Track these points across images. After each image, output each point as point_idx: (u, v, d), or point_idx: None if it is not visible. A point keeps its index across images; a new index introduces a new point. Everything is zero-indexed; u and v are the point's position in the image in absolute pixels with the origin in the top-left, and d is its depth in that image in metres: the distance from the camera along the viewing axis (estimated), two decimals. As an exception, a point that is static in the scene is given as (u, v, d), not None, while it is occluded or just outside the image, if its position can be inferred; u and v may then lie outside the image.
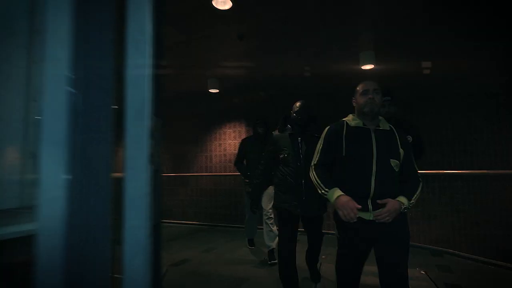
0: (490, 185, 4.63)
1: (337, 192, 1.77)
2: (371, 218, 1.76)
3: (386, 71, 4.53)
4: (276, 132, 2.84)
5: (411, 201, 1.77)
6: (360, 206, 1.70)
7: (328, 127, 2.02)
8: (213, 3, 2.88)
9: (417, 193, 1.82)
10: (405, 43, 3.78)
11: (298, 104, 2.73)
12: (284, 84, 5.47)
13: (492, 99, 4.88)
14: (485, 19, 3.19)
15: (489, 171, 4.72)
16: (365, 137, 1.85)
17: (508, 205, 4.45)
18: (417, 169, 1.92)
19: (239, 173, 4.43)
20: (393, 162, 1.82)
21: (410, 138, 2.41)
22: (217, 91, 5.60)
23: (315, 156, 2.00)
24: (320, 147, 1.99)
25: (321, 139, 2.02)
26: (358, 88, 1.96)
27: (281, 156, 2.72)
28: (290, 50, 4.04)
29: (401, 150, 1.85)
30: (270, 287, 3.08)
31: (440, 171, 4.84)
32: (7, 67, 1.33)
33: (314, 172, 1.93)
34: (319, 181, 1.88)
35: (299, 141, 2.69)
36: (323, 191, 1.84)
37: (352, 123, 1.92)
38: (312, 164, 1.99)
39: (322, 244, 2.92)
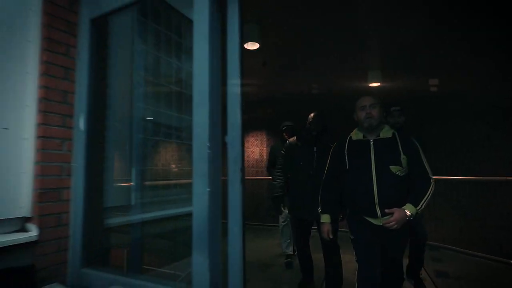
0: (496, 190, 4.96)
1: (326, 218, 2.18)
2: (380, 224, 1.91)
3: (392, 88, 5.03)
4: (292, 139, 3.03)
5: (418, 208, 1.82)
6: (331, 237, 2.15)
7: (335, 143, 2.23)
8: (245, 45, 3.62)
9: (426, 196, 1.85)
10: (410, 63, 4.28)
11: (312, 114, 2.90)
12: (300, 99, 6.09)
13: (498, 109, 5.21)
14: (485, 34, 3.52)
15: (495, 177, 5.04)
16: (364, 148, 2.01)
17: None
18: (427, 170, 1.93)
19: (258, 177, 5.01)
20: (394, 168, 1.91)
21: None
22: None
23: (325, 172, 2.24)
24: (328, 164, 2.23)
25: (329, 156, 2.24)
26: (356, 104, 2.10)
27: (295, 164, 2.88)
28: (306, 70, 4.67)
29: (403, 156, 1.93)
30: (291, 272, 3.71)
31: (448, 177, 5.22)
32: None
33: (321, 192, 2.23)
34: (320, 202, 2.22)
35: (314, 150, 2.81)
36: (320, 211, 2.22)
37: (354, 137, 2.11)
38: (322, 181, 2.25)
39: (338, 250, 2.79)
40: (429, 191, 1.86)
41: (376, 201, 1.89)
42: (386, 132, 2.03)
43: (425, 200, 1.84)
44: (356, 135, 2.11)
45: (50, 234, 1.81)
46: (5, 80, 1.70)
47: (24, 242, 1.69)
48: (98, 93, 2.00)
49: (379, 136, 2.02)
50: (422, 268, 3.23)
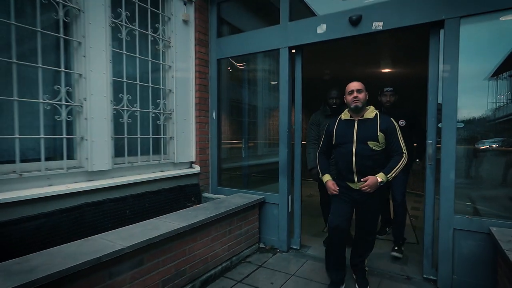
0: None
1: (327, 177, 2.45)
2: (357, 188, 2.29)
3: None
4: (317, 113, 3.37)
5: (389, 176, 2.20)
6: (337, 190, 2.35)
7: (328, 123, 2.56)
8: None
9: (397, 167, 2.22)
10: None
11: (333, 91, 3.23)
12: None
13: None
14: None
15: None
16: (349, 126, 2.33)
17: None
18: (402, 146, 2.25)
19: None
20: (371, 143, 2.24)
21: (403, 122, 3.05)
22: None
23: (320, 144, 2.59)
24: (323, 138, 2.57)
25: (324, 132, 2.56)
26: (346, 88, 2.37)
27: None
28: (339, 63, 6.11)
29: (379, 133, 2.23)
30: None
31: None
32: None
33: (318, 159, 2.58)
34: (318, 167, 2.56)
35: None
36: (320, 175, 2.54)
37: (343, 117, 2.42)
38: (318, 152, 2.62)
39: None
40: (400, 163, 2.22)
41: (354, 169, 2.26)
42: (370, 113, 2.33)
43: (395, 171, 2.21)
44: (345, 115, 2.42)
45: (203, 169, 3.74)
46: (186, 95, 3.54)
47: (194, 173, 3.63)
48: (221, 98, 3.79)
49: (363, 116, 2.32)
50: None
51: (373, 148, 2.24)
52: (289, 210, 3.30)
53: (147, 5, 3.07)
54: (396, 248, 3.14)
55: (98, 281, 1.75)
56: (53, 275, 1.50)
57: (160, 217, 2.53)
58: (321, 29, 2.97)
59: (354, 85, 2.31)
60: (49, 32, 2.34)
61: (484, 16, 2.32)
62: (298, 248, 3.35)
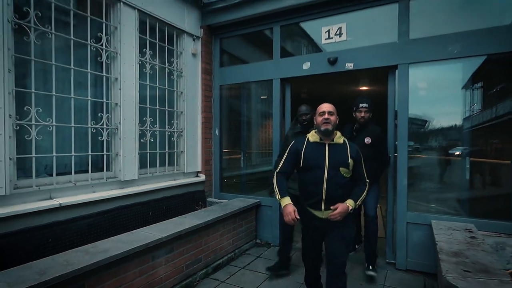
0: None
1: (286, 200, 2.14)
2: (323, 217, 2.14)
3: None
4: (288, 130, 3.39)
5: (357, 203, 2.12)
6: (297, 219, 2.08)
7: (293, 141, 2.33)
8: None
9: (363, 195, 2.17)
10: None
11: (302, 107, 3.14)
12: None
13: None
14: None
15: None
16: (320, 150, 2.17)
17: None
18: (364, 174, 2.22)
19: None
20: (343, 170, 2.12)
21: (369, 140, 3.03)
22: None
23: (279, 164, 2.32)
24: (284, 157, 2.30)
25: (286, 151, 2.32)
26: (317, 109, 2.23)
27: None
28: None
29: (350, 160, 2.14)
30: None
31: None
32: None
33: (275, 179, 2.27)
34: (277, 188, 2.23)
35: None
36: (278, 197, 2.21)
37: (311, 139, 2.23)
38: (275, 171, 2.32)
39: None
40: (365, 192, 2.19)
41: (324, 197, 2.10)
42: (339, 139, 2.22)
43: (361, 198, 2.17)
44: (313, 137, 2.25)
45: (207, 177, 4.40)
46: (194, 116, 4.22)
47: (200, 181, 4.30)
48: (222, 117, 4.49)
49: (333, 141, 2.20)
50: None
51: (344, 175, 2.15)
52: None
53: (165, 44, 3.76)
54: (370, 267, 3.06)
55: (145, 261, 2.41)
56: (121, 254, 2.15)
57: (181, 216, 3.18)
58: (306, 65, 3.73)
59: (326, 107, 2.20)
60: (97, 73, 3.00)
61: (424, 63, 3.14)
62: (288, 243, 4.03)
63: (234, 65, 4.47)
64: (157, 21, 3.62)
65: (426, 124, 3.37)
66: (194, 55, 4.17)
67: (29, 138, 2.47)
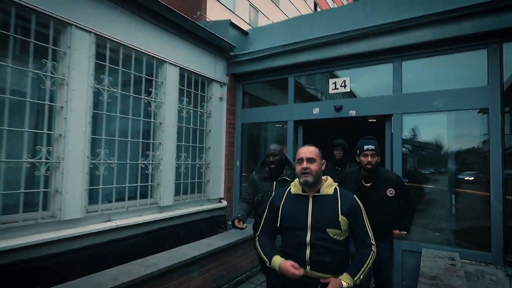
0: None
1: (277, 259, 1.73)
2: (309, 276, 1.69)
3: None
4: (254, 174, 2.96)
5: (357, 278, 1.64)
6: (301, 270, 1.64)
7: (274, 194, 1.99)
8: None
9: (366, 264, 1.68)
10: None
11: (271, 147, 2.79)
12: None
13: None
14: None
15: None
16: (301, 205, 1.78)
17: None
18: (370, 235, 1.75)
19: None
20: (332, 232, 1.69)
21: (392, 192, 2.56)
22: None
23: (262, 224, 1.94)
24: (264, 216, 1.95)
25: (267, 207, 1.96)
26: (296, 155, 1.86)
27: (256, 198, 2.90)
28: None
29: (341, 218, 1.69)
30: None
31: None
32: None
33: (258, 244, 1.90)
34: (262, 255, 1.84)
35: (273, 184, 2.74)
36: (268, 265, 1.80)
37: (293, 190, 1.86)
38: (256, 234, 1.96)
39: None
40: (370, 259, 1.70)
41: (307, 263, 1.69)
42: (328, 188, 1.81)
43: (364, 270, 1.67)
44: (295, 187, 1.87)
45: (228, 203, 5.03)
46: (219, 150, 4.92)
47: (222, 206, 4.93)
48: (243, 151, 5.18)
49: (319, 192, 1.80)
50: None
51: (334, 237, 1.70)
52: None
53: (198, 91, 4.55)
54: None
55: (183, 274, 3.02)
56: (167, 267, 2.78)
57: (208, 238, 3.80)
58: (316, 111, 4.40)
59: (305, 152, 1.81)
60: (148, 119, 3.77)
61: (415, 114, 3.75)
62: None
63: (254, 107, 5.21)
64: (193, 74, 4.42)
65: (419, 161, 3.93)
66: (220, 98, 4.94)
67: (98, 174, 3.20)
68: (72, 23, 2.90)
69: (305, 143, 5.07)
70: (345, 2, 32.28)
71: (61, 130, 2.86)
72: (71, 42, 2.91)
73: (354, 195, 1.84)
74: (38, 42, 2.71)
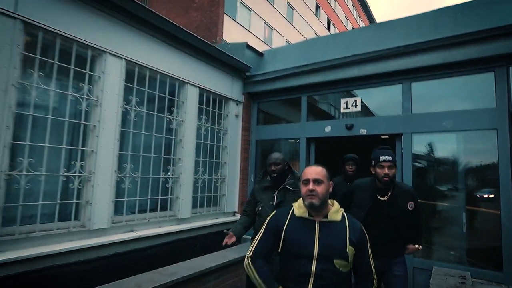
0: None
1: None
2: None
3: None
4: (256, 185, 2.90)
5: None
6: None
7: (274, 212, 1.82)
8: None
9: None
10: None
11: (272, 156, 2.68)
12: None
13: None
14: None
15: None
16: (307, 231, 1.62)
17: None
18: (372, 269, 1.64)
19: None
20: (339, 263, 1.55)
21: (412, 205, 2.43)
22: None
23: (252, 245, 1.74)
24: (260, 235, 1.74)
25: (264, 226, 1.76)
26: (301, 176, 1.72)
27: (257, 209, 2.83)
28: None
29: (349, 248, 1.56)
30: None
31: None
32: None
33: (251, 268, 1.66)
34: (259, 280, 1.61)
35: (275, 194, 2.64)
36: None
37: (297, 213, 1.70)
38: (247, 256, 1.72)
39: None
40: None
41: None
42: (335, 214, 1.67)
43: None
44: (299, 209, 1.71)
45: (242, 217, 5.19)
46: (234, 165, 5.13)
47: (236, 220, 5.07)
48: (257, 166, 5.37)
49: (326, 217, 1.65)
50: None
51: (340, 269, 1.57)
52: None
53: (215, 109, 4.82)
54: None
55: (201, 283, 3.19)
56: (186, 276, 2.96)
57: (223, 250, 3.95)
58: (328, 129, 4.58)
59: (311, 173, 1.68)
60: (168, 136, 4.05)
61: (422, 133, 3.87)
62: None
63: (268, 124, 5.44)
64: (211, 93, 4.71)
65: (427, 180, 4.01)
66: (236, 116, 5.19)
67: (124, 187, 3.46)
68: (107, 50, 3.24)
69: (318, 159, 5.29)
70: (358, 19, 32.70)
71: (93, 146, 3.15)
72: (105, 67, 3.23)
73: (361, 224, 1.71)
74: (77, 68, 3.04)
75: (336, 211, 1.69)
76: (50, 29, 2.80)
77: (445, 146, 3.86)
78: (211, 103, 4.73)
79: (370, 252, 1.68)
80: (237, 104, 5.23)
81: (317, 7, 23.53)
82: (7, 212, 2.59)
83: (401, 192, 2.47)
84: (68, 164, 3.05)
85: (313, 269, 1.55)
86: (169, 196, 4.05)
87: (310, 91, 4.85)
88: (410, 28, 4.06)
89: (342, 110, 4.55)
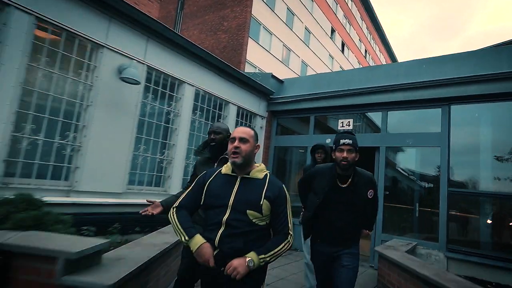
0: None
1: (199, 240, 1.59)
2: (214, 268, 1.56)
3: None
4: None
5: (262, 258, 1.55)
6: (214, 262, 1.55)
7: (205, 172, 1.86)
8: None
9: (277, 250, 1.61)
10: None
11: (213, 125, 2.53)
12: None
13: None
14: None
15: None
16: (228, 185, 1.70)
17: None
18: (289, 224, 1.69)
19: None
20: (252, 214, 1.61)
21: (372, 193, 2.35)
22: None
23: (184, 194, 1.82)
24: (189, 190, 1.83)
25: (195, 181, 1.85)
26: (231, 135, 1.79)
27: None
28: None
29: (263, 201, 1.63)
30: None
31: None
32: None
33: (174, 216, 1.71)
34: (179, 225, 1.66)
35: (215, 166, 2.40)
36: (183, 240, 1.62)
37: (223, 170, 1.78)
38: (173, 206, 1.78)
39: None
40: (283, 246, 1.63)
41: (216, 245, 1.58)
42: (258, 172, 1.74)
43: (274, 254, 1.60)
44: (226, 168, 1.78)
45: (261, 204, 6.90)
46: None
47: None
48: (274, 169, 7.10)
49: (249, 174, 1.72)
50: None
51: (253, 220, 1.61)
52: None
53: (247, 122, 6.61)
54: None
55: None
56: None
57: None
58: (328, 140, 6.29)
59: (238, 131, 1.75)
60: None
61: (394, 148, 5.54)
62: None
63: (284, 135, 7.18)
64: (244, 110, 6.51)
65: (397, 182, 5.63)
66: (261, 127, 6.97)
67: (137, 162, 5.22)
68: (185, 81, 5.09)
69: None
70: (372, 42, 34.51)
71: (174, 141, 4.98)
72: (184, 92, 5.09)
73: (283, 186, 1.76)
74: (170, 92, 4.91)
75: (259, 170, 1.75)
76: (156, 68, 4.69)
77: (407, 156, 5.52)
78: (244, 117, 6.53)
79: (289, 212, 1.71)
80: (262, 119, 7.01)
81: (333, 31, 25.45)
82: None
83: (362, 179, 2.35)
84: (161, 151, 4.89)
85: (225, 218, 1.59)
86: (162, 174, 5.82)
87: (317, 112, 6.60)
88: (391, 72, 5.79)
89: (339, 128, 6.27)
